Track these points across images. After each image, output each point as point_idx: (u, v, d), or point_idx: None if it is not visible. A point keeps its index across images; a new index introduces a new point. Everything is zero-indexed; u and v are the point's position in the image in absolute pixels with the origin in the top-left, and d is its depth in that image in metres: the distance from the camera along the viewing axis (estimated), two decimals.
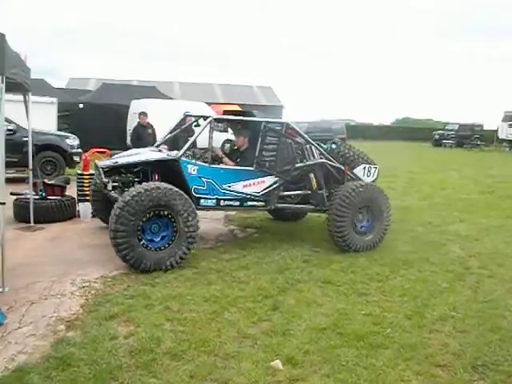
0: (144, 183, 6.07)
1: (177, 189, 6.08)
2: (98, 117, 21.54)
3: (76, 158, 13.39)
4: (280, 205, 7.38)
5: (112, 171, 6.66)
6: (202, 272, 5.85)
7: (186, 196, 6.17)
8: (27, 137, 7.92)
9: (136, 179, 6.69)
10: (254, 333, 4.35)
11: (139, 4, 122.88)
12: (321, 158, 7.55)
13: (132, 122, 22.95)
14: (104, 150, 17.15)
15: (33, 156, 7.91)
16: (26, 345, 3.99)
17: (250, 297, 5.15)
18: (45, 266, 5.90)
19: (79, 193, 8.86)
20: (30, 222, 7.81)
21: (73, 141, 13.68)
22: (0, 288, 4.82)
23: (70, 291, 5.16)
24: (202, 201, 6.73)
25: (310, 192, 7.47)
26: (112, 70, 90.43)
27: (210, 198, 6.78)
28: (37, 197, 8.24)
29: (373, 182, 7.80)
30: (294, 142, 7.43)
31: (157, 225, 6.01)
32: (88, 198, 8.55)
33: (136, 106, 22.80)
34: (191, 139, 6.92)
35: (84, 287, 5.28)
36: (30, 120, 7.72)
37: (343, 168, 7.58)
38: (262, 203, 7.20)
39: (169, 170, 6.69)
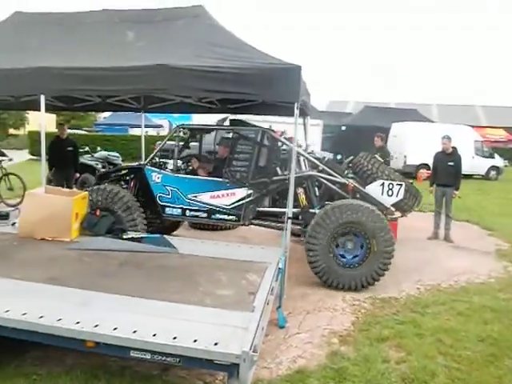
0: None
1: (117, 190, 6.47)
2: (359, 139, 22.21)
3: None
4: (257, 221, 6.60)
5: (107, 176, 7.30)
6: (475, 308, 5.45)
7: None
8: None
9: (124, 185, 7.14)
10: None
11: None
12: (310, 170, 6.56)
13: (392, 145, 23.06)
14: None
15: None
16: (304, 350, 4.32)
17: None
18: (316, 279, 6.28)
19: None
20: (300, 236, 8.42)
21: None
22: (284, 295, 5.29)
23: (341, 307, 5.40)
24: (167, 209, 6.67)
25: (300, 210, 6.37)
26: (368, 92, 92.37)
27: (175, 207, 6.64)
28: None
29: (398, 203, 6.27)
30: (274, 152, 6.66)
31: None
32: None
33: (396, 129, 22.90)
34: (157, 148, 7.13)
35: (354, 305, 5.46)
36: (306, 140, 8.40)
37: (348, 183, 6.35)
38: (233, 217, 6.50)
39: (143, 178, 6.90)
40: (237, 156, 6.57)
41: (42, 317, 3.29)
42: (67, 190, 6.29)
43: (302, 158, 6.80)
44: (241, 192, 6.48)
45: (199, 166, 7.15)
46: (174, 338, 3.08)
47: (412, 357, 4.21)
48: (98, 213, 5.76)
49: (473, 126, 26.46)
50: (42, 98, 5.84)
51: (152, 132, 33.48)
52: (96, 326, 3.17)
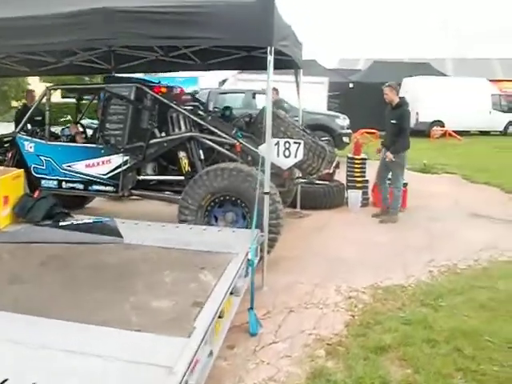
0: None
1: None
2: (368, 96, 20.79)
3: (345, 139, 12.90)
4: (138, 191, 5.91)
5: None
6: (500, 298, 4.32)
7: None
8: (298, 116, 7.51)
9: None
10: None
11: None
12: (191, 131, 5.67)
13: None
14: (373, 130, 16.31)
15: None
16: (278, 369, 3.28)
17: None
18: (307, 264, 5.25)
19: (349, 179, 8.13)
20: (296, 207, 7.40)
21: (343, 121, 13.23)
22: (265, 287, 4.27)
23: (334, 301, 4.33)
24: (43, 182, 6.07)
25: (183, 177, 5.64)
26: (383, 49, 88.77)
27: (51, 179, 6.06)
28: (303, 181, 7.79)
29: (299, 165, 5.40)
30: (150, 111, 5.77)
31: None
32: (359, 185, 7.78)
33: (407, 85, 21.41)
34: (27, 114, 6.51)
35: (350, 298, 4.40)
36: (300, 99, 7.28)
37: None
38: (111, 188, 5.87)
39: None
40: (110, 118, 5.86)
41: None
42: (1, 168, 5.27)
43: (181, 117, 5.81)
44: (116, 159, 5.80)
45: (77, 132, 6.49)
46: None
47: (420, 376, 3.15)
48: (36, 194, 4.75)
49: (490, 80, 24.78)
50: None
51: None
52: None
